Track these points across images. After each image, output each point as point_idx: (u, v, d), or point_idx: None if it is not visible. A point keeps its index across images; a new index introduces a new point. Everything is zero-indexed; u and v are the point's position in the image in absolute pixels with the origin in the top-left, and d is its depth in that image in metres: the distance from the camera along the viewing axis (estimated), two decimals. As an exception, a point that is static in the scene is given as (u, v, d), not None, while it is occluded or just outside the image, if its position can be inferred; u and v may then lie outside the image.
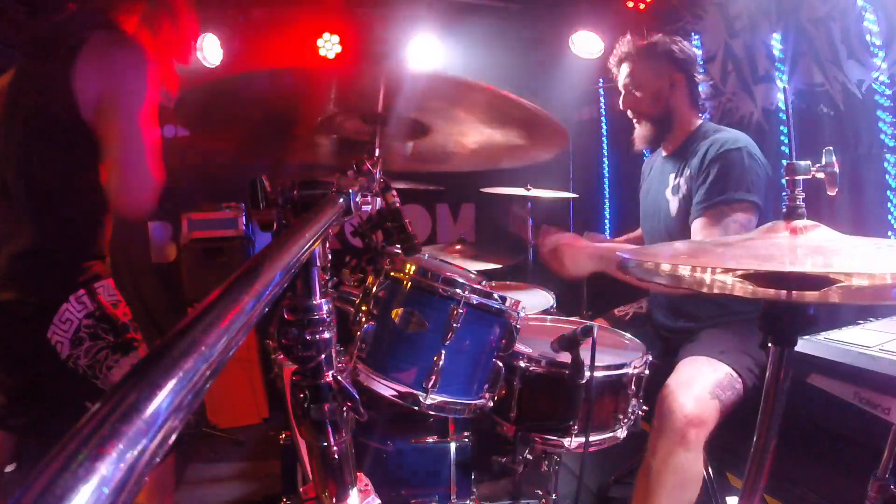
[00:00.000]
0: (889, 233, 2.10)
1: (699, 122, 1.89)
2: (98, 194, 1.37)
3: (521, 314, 1.29)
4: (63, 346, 1.32)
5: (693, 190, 1.72)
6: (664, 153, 1.97)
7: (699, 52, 2.80)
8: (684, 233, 1.73)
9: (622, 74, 1.92)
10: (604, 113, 3.97)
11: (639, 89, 1.87)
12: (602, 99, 3.97)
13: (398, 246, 1.13)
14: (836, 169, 0.97)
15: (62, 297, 1.33)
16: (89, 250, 1.42)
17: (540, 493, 1.51)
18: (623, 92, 1.92)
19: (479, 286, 1.24)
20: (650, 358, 1.44)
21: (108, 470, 0.21)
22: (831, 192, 0.98)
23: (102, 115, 1.31)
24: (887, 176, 2.10)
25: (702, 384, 1.49)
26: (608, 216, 3.96)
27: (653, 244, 1.88)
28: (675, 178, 1.83)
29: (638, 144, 1.97)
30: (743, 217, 1.60)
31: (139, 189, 1.36)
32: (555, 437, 1.32)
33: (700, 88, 1.87)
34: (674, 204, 1.81)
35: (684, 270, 0.74)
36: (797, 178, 0.95)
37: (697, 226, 1.66)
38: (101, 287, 1.40)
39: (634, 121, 1.93)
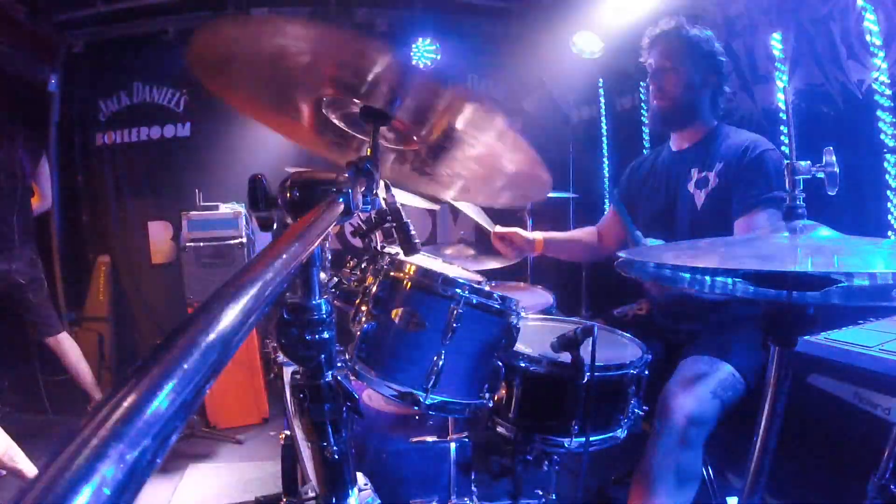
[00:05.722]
0: (889, 233, 2.10)
1: (716, 121, 1.90)
2: None
3: (521, 314, 1.29)
4: None
5: (732, 186, 1.71)
6: (674, 148, 1.95)
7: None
8: (713, 226, 1.71)
9: (658, 52, 1.88)
10: (604, 113, 3.96)
11: (674, 73, 1.85)
12: (602, 99, 3.96)
13: (398, 246, 1.13)
14: (836, 169, 0.97)
15: None
16: None
17: (540, 493, 1.51)
18: (655, 68, 1.88)
19: (478, 286, 1.24)
20: (650, 358, 1.43)
21: (108, 471, 0.21)
22: (831, 192, 0.98)
23: None
24: (887, 176, 2.10)
25: (703, 384, 1.49)
26: (608, 216, 3.96)
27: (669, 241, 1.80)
28: (700, 171, 1.80)
29: (651, 121, 2.03)
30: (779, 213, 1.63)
31: None
32: (555, 437, 1.32)
33: (721, 98, 1.89)
34: (699, 198, 1.78)
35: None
36: (797, 178, 0.95)
37: (751, 221, 1.64)
38: None
39: (655, 99, 1.90)
